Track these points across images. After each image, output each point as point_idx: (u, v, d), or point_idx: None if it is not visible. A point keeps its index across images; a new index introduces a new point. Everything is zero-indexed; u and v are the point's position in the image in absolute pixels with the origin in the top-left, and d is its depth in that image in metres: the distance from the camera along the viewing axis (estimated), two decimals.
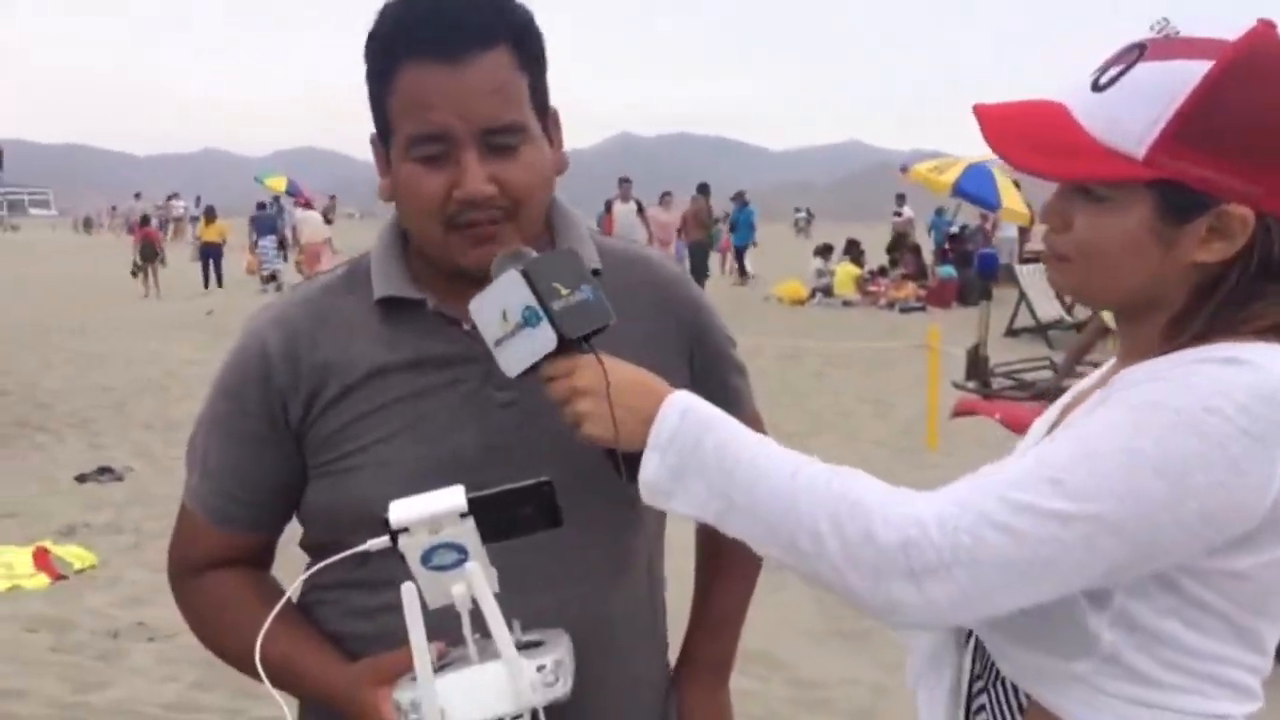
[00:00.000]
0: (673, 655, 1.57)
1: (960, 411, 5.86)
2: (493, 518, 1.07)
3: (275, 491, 1.34)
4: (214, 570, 1.38)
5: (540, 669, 1.08)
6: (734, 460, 1.14)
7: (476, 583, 1.06)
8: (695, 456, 1.14)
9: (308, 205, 23.37)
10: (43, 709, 4.05)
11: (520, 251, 1.18)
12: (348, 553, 1.12)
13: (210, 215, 22.63)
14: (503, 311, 1.15)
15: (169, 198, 36.76)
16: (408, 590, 1.06)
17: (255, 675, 1.34)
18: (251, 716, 3.92)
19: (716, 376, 1.44)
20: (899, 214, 25.68)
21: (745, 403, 1.48)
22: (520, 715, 1.08)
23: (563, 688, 1.10)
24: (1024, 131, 1.15)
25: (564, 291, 1.14)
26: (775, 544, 1.12)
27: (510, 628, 1.09)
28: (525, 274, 1.13)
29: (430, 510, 1.06)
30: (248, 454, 1.34)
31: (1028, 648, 1.17)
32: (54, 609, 5.06)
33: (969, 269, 17.93)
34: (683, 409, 1.16)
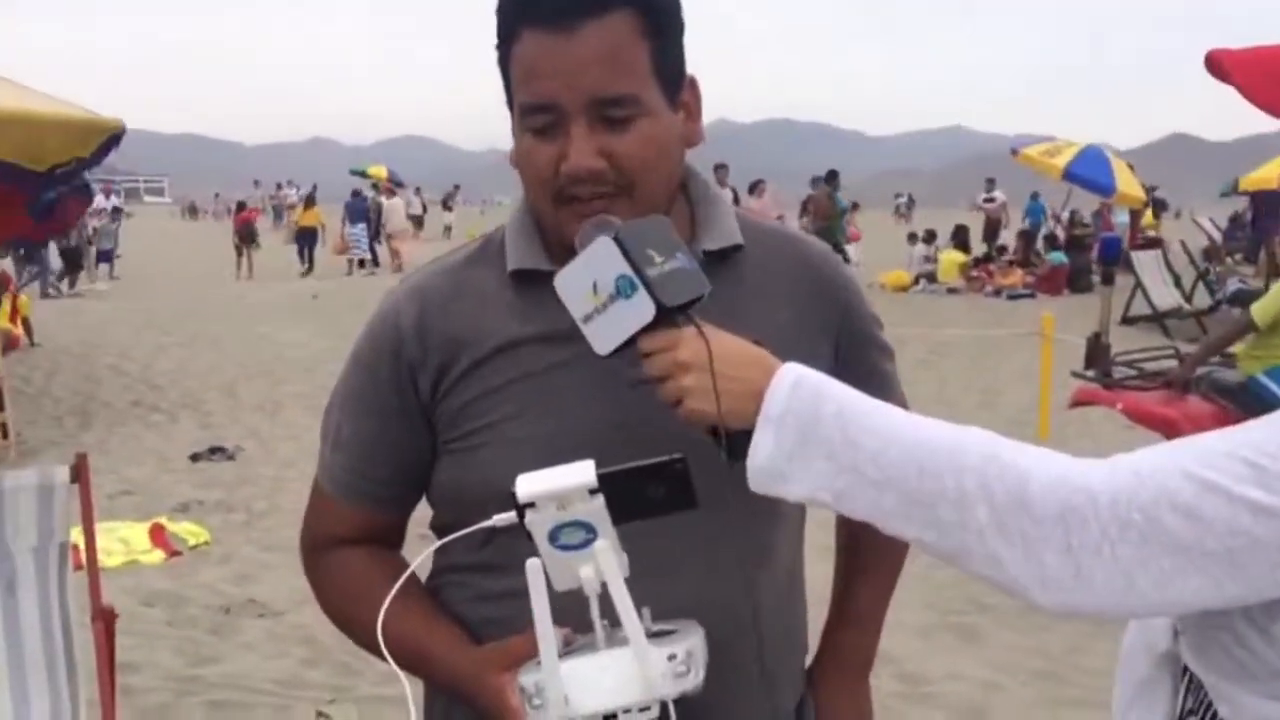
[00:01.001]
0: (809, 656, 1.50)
1: (1080, 401, 5.65)
2: (623, 496, 1.01)
3: (405, 468, 1.31)
4: (343, 547, 1.36)
5: (671, 658, 1.02)
6: (858, 428, 1.04)
7: (605, 563, 1.01)
8: (814, 429, 1.04)
9: (391, 193, 23.84)
10: (159, 681, 4.15)
11: (608, 220, 1.12)
12: (473, 528, 1.08)
13: (309, 201, 23.28)
14: (593, 283, 1.07)
15: (279, 186, 37.84)
16: (532, 567, 1.01)
17: (380, 654, 1.32)
18: (358, 693, 3.96)
19: (864, 360, 1.37)
20: (990, 199, 24.08)
21: (894, 388, 1.41)
22: (648, 706, 1.02)
23: (694, 679, 1.03)
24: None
25: (658, 259, 1.07)
26: (912, 518, 1.02)
27: (640, 615, 1.04)
28: (618, 240, 1.06)
29: (558, 485, 1.01)
30: (378, 428, 1.31)
31: (1252, 692, 1.03)
32: (169, 584, 5.19)
33: (1082, 254, 17.39)
34: (795, 379, 1.07)
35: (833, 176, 18.08)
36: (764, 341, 1.12)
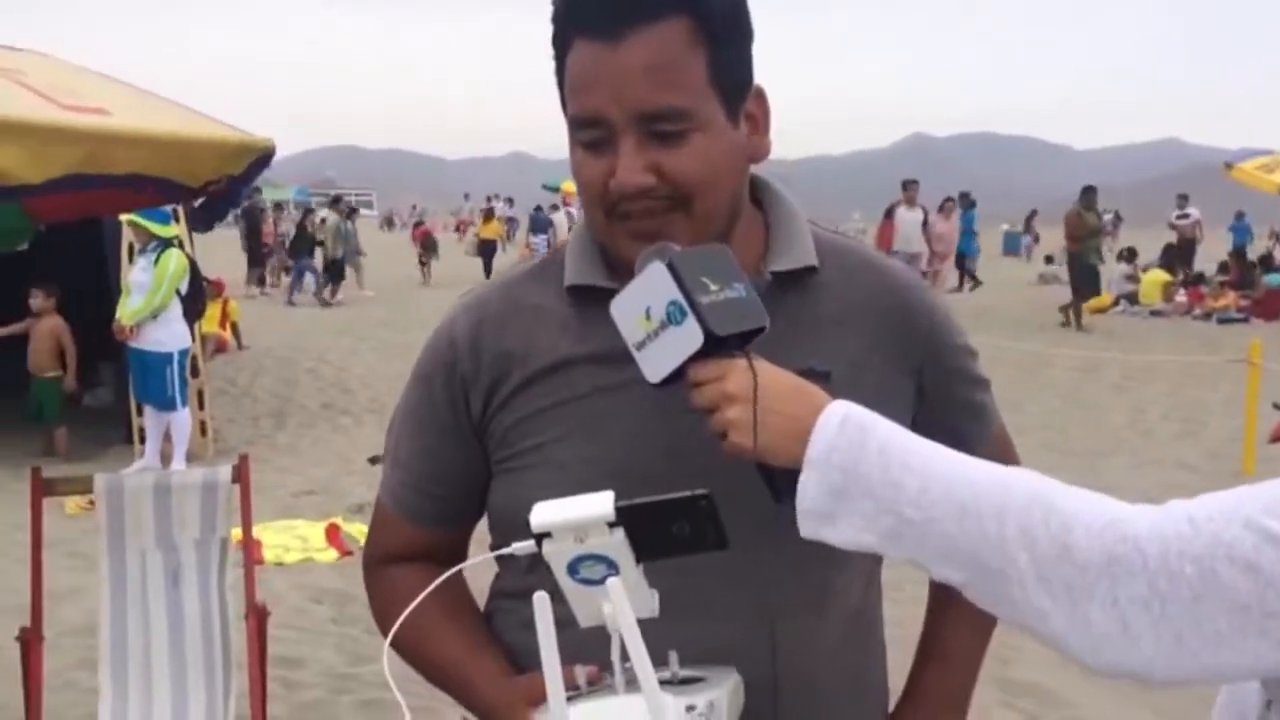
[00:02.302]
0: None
1: (1278, 436, 5.22)
2: (645, 531, 0.96)
3: (461, 486, 1.28)
4: (400, 564, 1.33)
5: (690, 709, 0.95)
6: (900, 467, 0.97)
7: (617, 601, 0.95)
8: (857, 469, 0.97)
9: (566, 205, 24.59)
10: (318, 677, 4.30)
11: (668, 246, 1.07)
12: (486, 556, 1.04)
13: (489, 215, 24.40)
14: (646, 309, 1.04)
15: (489, 199, 39.46)
16: (539, 600, 0.96)
17: (422, 672, 1.30)
18: None
19: (955, 393, 1.26)
20: (1184, 215, 21.87)
21: (989, 419, 1.30)
22: None
23: None
24: None
25: (713, 287, 1.03)
26: (955, 563, 0.94)
27: (667, 660, 0.97)
28: (671, 267, 1.02)
29: (574, 515, 0.96)
30: (434, 445, 1.28)
31: None
32: (339, 583, 5.38)
33: None
34: (841, 417, 1.00)
35: (1088, 193, 15.98)
36: (833, 372, 1.05)
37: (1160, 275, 17.97)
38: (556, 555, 0.97)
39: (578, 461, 1.17)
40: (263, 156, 2.82)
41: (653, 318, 1.03)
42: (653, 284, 1.03)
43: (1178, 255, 19.98)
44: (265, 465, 7.71)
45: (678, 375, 1.05)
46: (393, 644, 1.31)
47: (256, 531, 5.85)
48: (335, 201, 21.86)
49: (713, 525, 0.97)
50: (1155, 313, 16.97)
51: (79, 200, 2.97)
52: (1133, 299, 17.61)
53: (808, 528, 1.01)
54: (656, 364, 1.05)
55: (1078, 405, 10.02)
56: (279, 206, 27.22)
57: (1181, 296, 17.20)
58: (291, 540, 5.99)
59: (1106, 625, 0.87)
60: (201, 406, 8.20)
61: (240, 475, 3.29)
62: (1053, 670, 4.23)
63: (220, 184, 2.88)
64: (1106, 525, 0.88)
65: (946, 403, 1.19)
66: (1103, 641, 0.88)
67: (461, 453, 1.26)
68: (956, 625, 1.37)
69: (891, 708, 1.38)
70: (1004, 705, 4.06)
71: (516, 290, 1.27)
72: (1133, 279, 18.26)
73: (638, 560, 0.97)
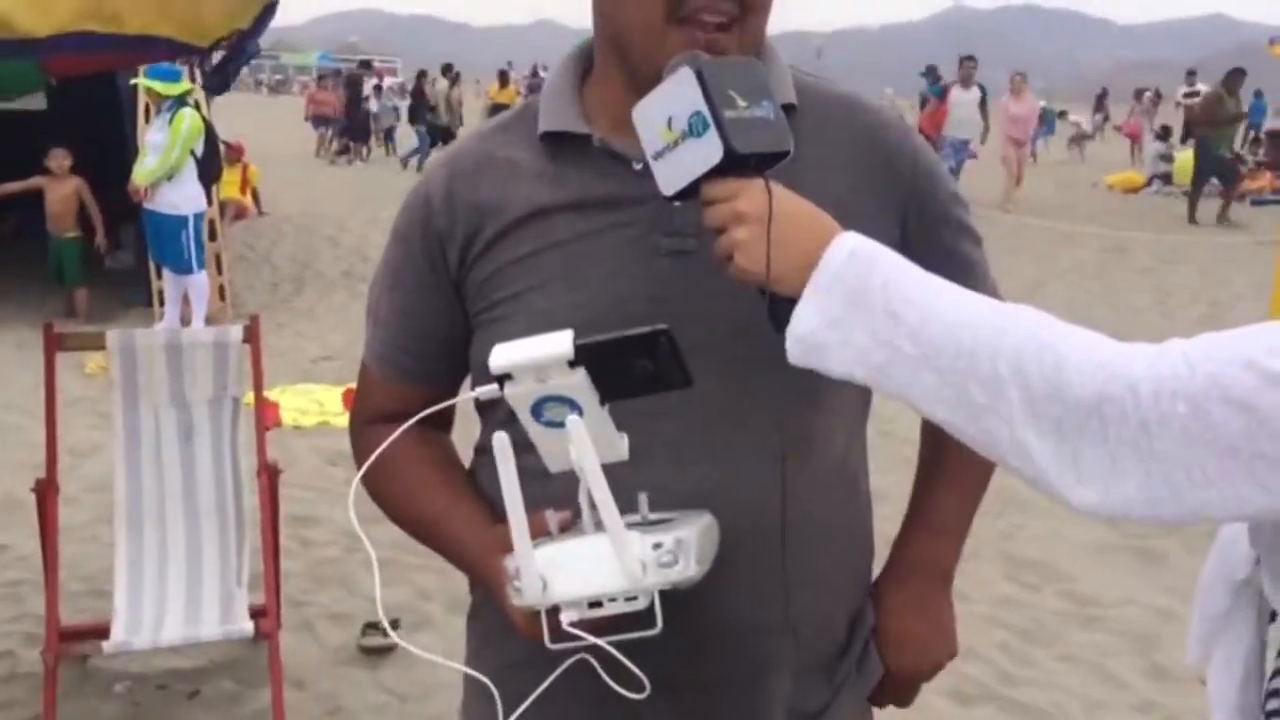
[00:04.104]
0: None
1: None
2: (607, 370, 0.94)
3: (441, 343, 1.27)
4: (385, 424, 1.32)
5: (656, 546, 0.94)
6: (903, 300, 0.95)
7: (578, 440, 0.94)
8: (859, 300, 0.96)
9: None
10: (331, 535, 4.39)
11: (698, 55, 1.02)
12: (450, 401, 1.04)
13: (504, 80, 23.80)
14: (669, 118, 1.00)
15: (534, 70, 38.82)
16: (499, 442, 0.95)
17: (409, 532, 1.31)
18: None
19: (940, 241, 1.23)
20: (1193, 93, 20.58)
21: (979, 274, 1.26)
22: (634, 596, 0.95)
23: (684, 569, 0.95)
24: None
25: (741, 103, 0.98)
26: (943, 399, 0.93)
27: (637, 502, 0.97)
28: (699, 74, 0.98)
29: (534, 354, 0.94)
30: (413, 302, 1.27)
31: None
32: None
33: None
34: (851, 248, 0.98)
35: (1234, 75, 14.32)
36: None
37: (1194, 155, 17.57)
38: (519, 398, 0.96)
39: (556, 309, 1.15)
40: (269, 6, 2.74)
41: (674, 128, 1.00)
42: (679, 91, 0.99)
43: (1183, 135, 19.17)
44: (283, 330, 7.78)
45: (691, 191, 1.02)
46: (382, 507, 1.33)
47: (274, 395, 6.00)
48: (447, 69, 21.56)
49: (675, 362, 0.95)
50: (1189, 193, 16.64)
51: (89, 59, 2.91)
52: (1167, 179, 17.25)
53: (797, 353, 0.99)
54: (672, 176, 1.02)
55: (1104, 288, 9.90)
56: (333, 74, 26.79)
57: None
58: (309, 404, 6.07)
59: (1093, 463, 0.86)
60: (220, 271, 8.21)
61: (251, 335, 3.30)
62: (1059, 548, 4.27)
63: (230, 39, 2.82)
64: (1100, 365, 0.87)
65: (932, 250, 1.16)
66: (1087, 480, 0.87)
67: (440, 308, 1.25)
68: (946, 493, 1.36)
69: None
70: (1007, 578, 4.11)
71: (490, 143, 1.25)
72: (1167, 158, 17.86)
73: (602, 401, 0.96)
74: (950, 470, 1.34)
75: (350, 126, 21.24)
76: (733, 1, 1.09)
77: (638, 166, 1.14)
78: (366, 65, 22.48)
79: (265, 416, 3.63)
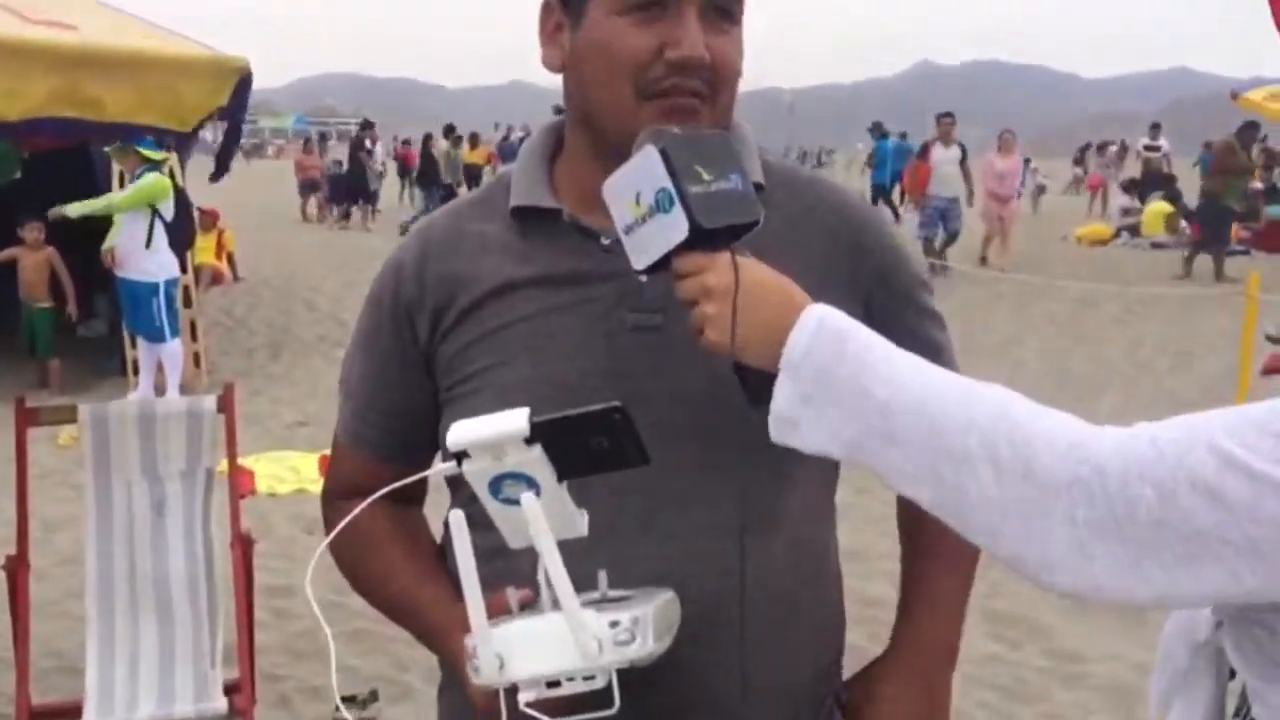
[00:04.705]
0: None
1: (1270, 369, 5.20)
2: (564, 447, 0.94)
3: (410, 416, 1.27)
4: (357, 499, 1.32)
5: (613, 625, 0.94)
6: (871, 375, 0.95)
7: (533, 518, 0.94)
8: (829, 375, 0.96)
9: None
10: (307, 605, 4.33)
11: (664, 130, 1.03)
12: (411, 479, 1.05)
13: (474, 141, 24.15)
14: (637, 193, 1.01)
15: (509, 129, 39.43)
16: (455, 519, 0.95)
17: (380, 609, 1.30)
18: None
19: (904, 323, 1.22)
20: (1154, 147, 20.75)
21: (944, 359, 1.25)
22: (592, 675, 0.95)
23: (640, 648, 0.95)
24: None
25: (706, 177, 0.99)
26: (916, 476, 0.93)
27: (596, 580, 0.97)
28: (664, 152, 0.99)
29: (490, 432, 0.94)
30: (382, 373, 1.28)
31: (1276, 686, 0.92)
32: None
33: None
34: (819, 319, 0.98)
35: (1248, 129, 13.90)
36: None
37: (1162, 207, 17.82)
38: (476, 475, 0.95)
39: (520, 383, 1.15)
40: (242, 79, 2.76)
41: (642, 203, 1.00)
42: (645, 167, 1.00)
43: (1146, 186, 19.34)
44: (259, 396, 7.74)
45: (663, 265, 1.03)
46: (352, 584, 1.32)
47: (249, 462, 5.95)
48: (449, 131, 21.78)
49: (631, 439, 0.95)
50: (1157, 245, 16.86)
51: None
52: (1134, 231, 17.50)
53: (779, 432, 1.00)
54: (643, 251, 1.02)
55: (1077, 339, 10.01)
56: (323, 137, 27.12)
57: (1185, 229, 17.07)
58: (284, 471, 6.03)
59: (1062, 545, 0.86)
60: (195, 338, 8.18)
61: (225, 404, 3.28)
62: (1040, 603, 4.26)
63: (211, 118, 2.84)
64: (1070, 447, 0.87)
65: (895, 333, 1.16)
66: (1057, 561, 0.87)
67: (410, 381, 1.25)
68: (935, 570, 1.33)
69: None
70: (991, 637, 4.10)
71: (462, 217, 1.26)
72: (1131, 211, 18.13)
73: (560, 478, 0.95)
74: (933, 548, 1.32)
75: (352, 189, 21.24)
76: (701, 79, 1.11)
77: (606, 242, 1.15)
78: (368, 125, 22.58)
79: (240, 485, 3.61)
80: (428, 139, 21.78)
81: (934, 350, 1.23)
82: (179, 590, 3.21)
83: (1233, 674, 1.00)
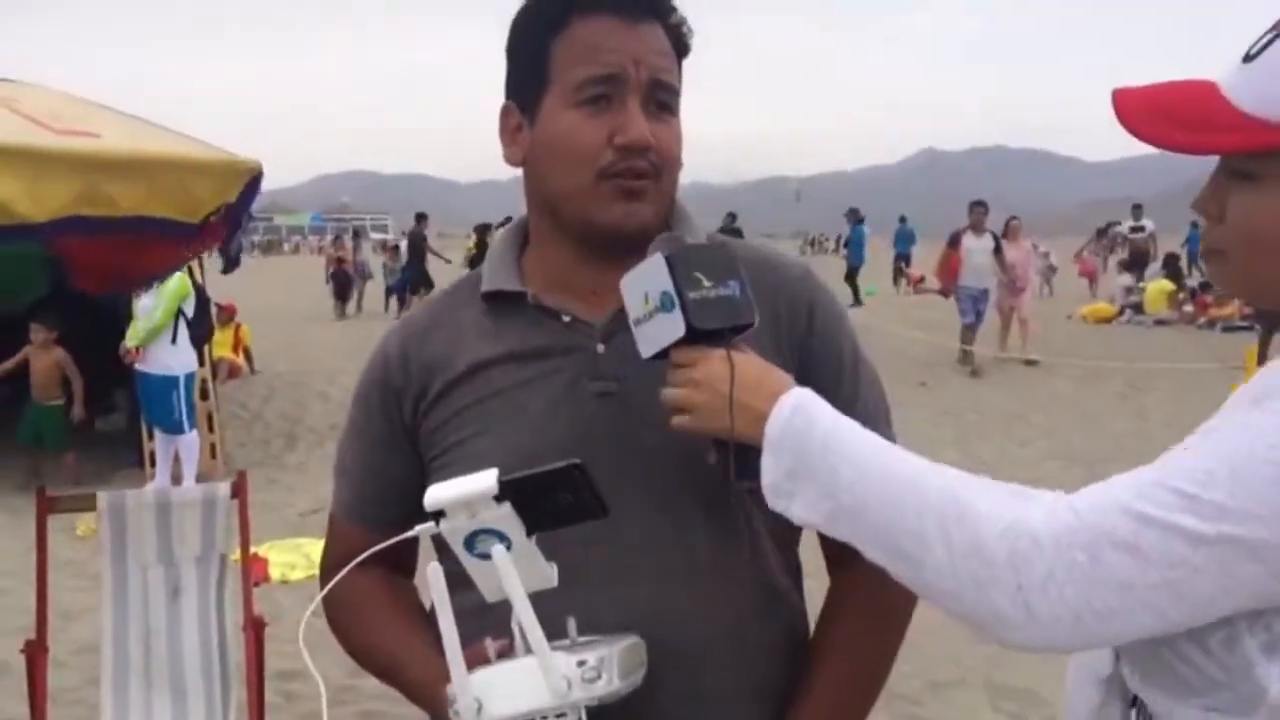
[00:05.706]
0: None
1: None
2: (531, 503, 1.05)
3: (400, 491, 1.36)
4: (352, 570, 1.43)
5: (581, 664, 1.04)
6: (838, 456, 1.08)
7: (503, 569, 1.05)
8: (803, 455, 1.09)
9: None
10: (317, 687, 4.38)
11: (676, 238, 1.20)
12: (393, 540, 1.14)
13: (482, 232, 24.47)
14: (645, 293, 1.15)
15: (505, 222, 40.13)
16: (433, 571, 1.05)
17: (373, 673, 1.40)
18: None
19: (840, 393, 1.28)
20: (1139, 229, 21.28)
21: (881, 425, 1.32)
22: (563, 713, 1.05)
23: (606, 685, 1.05)
24: (1166, 108, 1.03)
25: (705, 283, 1.14)
26: (882, 549, 1.06)
27: (566, 627, 1.08)
28: (669, 259, 1.14)
29: (462, 491, 1.05)
30: (374, 453, 1.39)
31: (1192, 705, 1.02)
32: None
33: None
34: (793, 405, 1.12)
35: None
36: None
37: (1164, 285, 18.00)
38: (453, 533, 1.06)
39: (494, 450, 1.25)
40: (253, 180, 2.90)
41: (650, 301, 1.15)
42: (653, 272, 1.14)
43: (1134, 266, 19.73)
44: (274, 485, 7.84)
45: (664, 355, 1.17)
46: (348, 651, 1.42)
47: (264, 550, 6.03)
48: (485, 228, 21.49)
49: (590, 493, 1.06)
50: (1160, 322, 17.00)
51: (93, 256, 3.01)
52: (1138, 309, 17.64)
53: (774, 502, 1.12)
54: (648, 342, 1.17)
55: (1081, 414, 10.09)
56: (357, 234, 27.73)
57: (1188, 306, 17.21)
58: (298, 558, 6.10)
59: (1012, 610, 0.98)
60: (212, 429, 8.32)
61: (238, 491, 3.40)
62: (1046, 675, 4.29)
63: (219, 214, 2.98)
64: (1009, 526, 0.99)
65: (833, 400, 1.25)
66: (1008, 624, 0.99)
67: (400, 457, 1.37)
68: (854, 623, 1.35)
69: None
70: (993, 708, 4.13)
71: (439, 306, 1.42)
72: (1133, 290, 18.29)
73: (530, 532, 1.06)
74: (844, 602, 1.36)
75: (415, 279, 21.01)
76: (648, 162, 1.25)
77: (566, 319, 1.29)
78: (422, 218, 22.86)
79: (253, 571, 3.69)
80: (484, 228, 21.71)
81: (871, 416, 1.29)
82: (192, 673, 3.29)
83: (1134, 700, 1.11)
